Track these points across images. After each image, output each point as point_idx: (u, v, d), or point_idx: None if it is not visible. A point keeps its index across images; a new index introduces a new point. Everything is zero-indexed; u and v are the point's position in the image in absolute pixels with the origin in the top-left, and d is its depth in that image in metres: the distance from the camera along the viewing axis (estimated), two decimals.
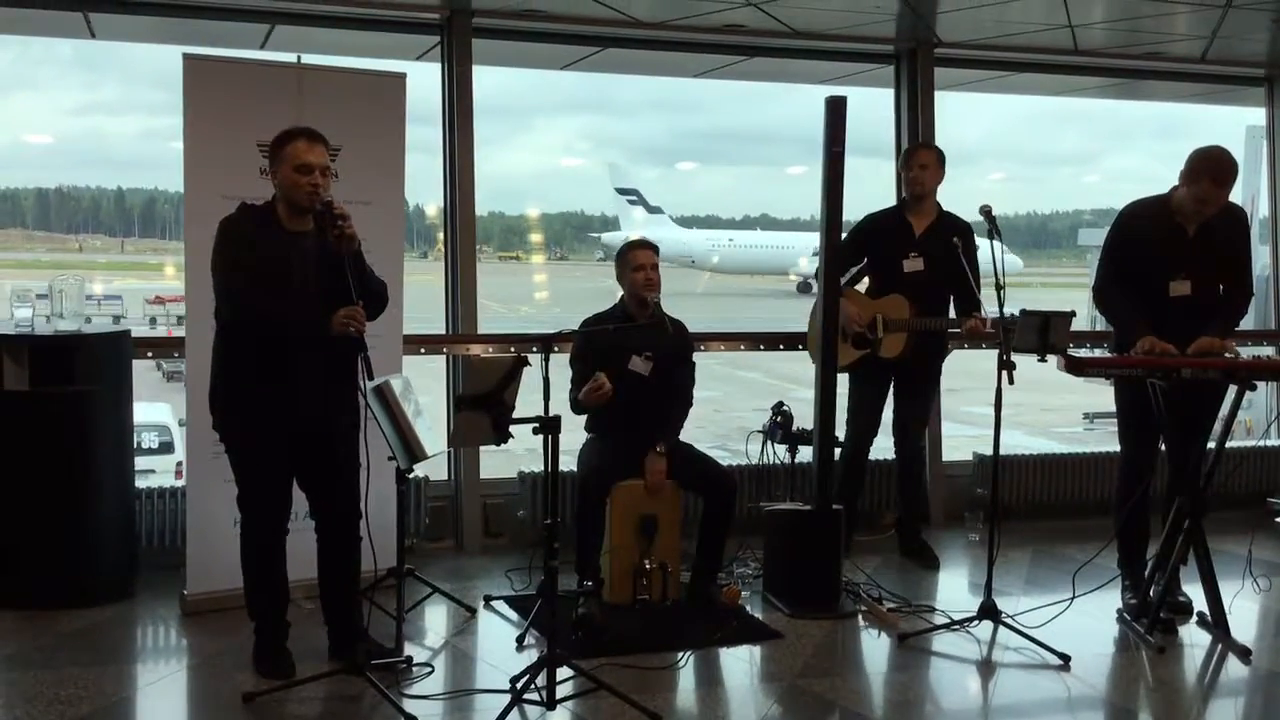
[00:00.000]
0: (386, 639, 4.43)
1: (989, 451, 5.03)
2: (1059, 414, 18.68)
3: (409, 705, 3.99)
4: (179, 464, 10.90)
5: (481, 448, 6.00)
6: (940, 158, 5.93)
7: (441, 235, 6.53)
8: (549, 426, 3.92)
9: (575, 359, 5.20)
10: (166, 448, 12.03)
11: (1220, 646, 4.75)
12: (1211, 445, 4.94)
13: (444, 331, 6.29)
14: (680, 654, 4.57)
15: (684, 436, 5.38)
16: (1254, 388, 4.80)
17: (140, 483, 5.57)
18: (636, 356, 5.20)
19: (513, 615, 5.06)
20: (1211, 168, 4.70)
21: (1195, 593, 4.94)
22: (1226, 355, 4.74)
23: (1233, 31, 6.60)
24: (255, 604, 4.31)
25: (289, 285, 4.00)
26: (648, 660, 4.45)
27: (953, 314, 5.84)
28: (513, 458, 5.78)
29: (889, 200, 6.23)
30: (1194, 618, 5.00)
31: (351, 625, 4.31)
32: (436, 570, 5.56)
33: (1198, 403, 4.88)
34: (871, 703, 4.30)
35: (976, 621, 4.84)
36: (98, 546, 5.05)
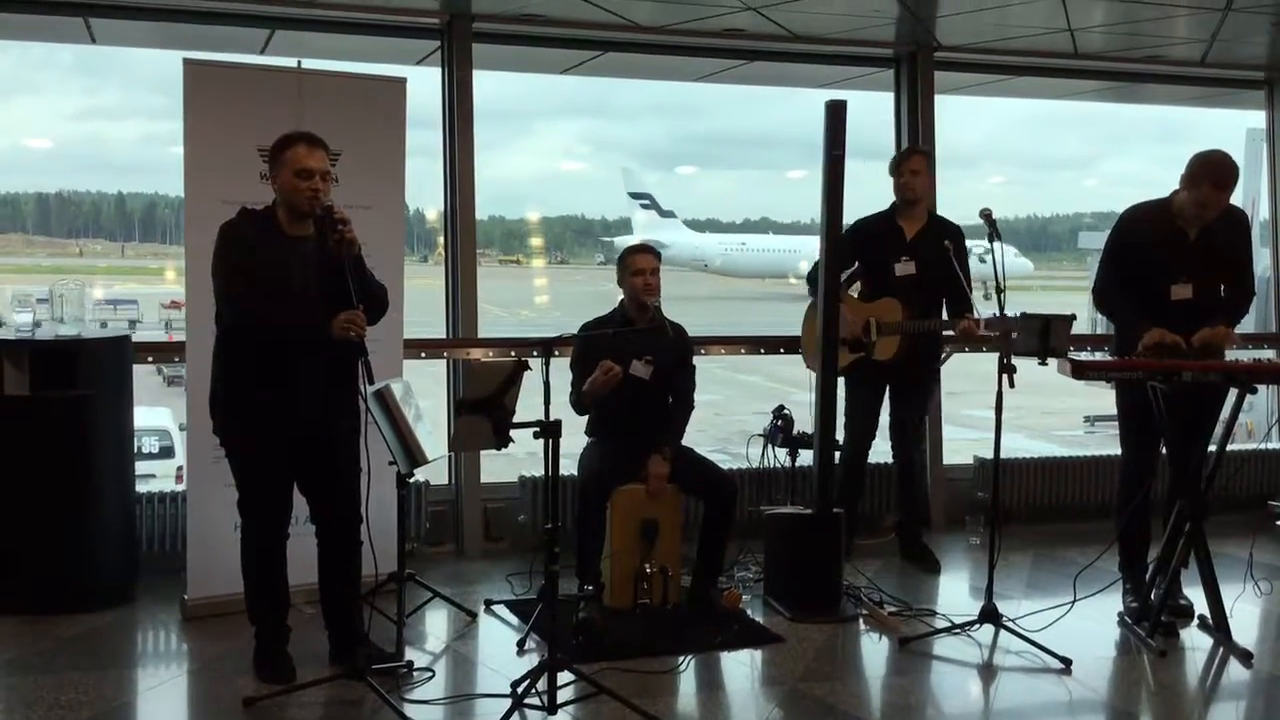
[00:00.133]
0: (387, 644, 4.43)
1: (990, 455, 5.03)
2: (1060, 417, 18.70)
3: (410, 710, 3.99)
4: (179, 468, 10.90)
5: (482, 452, 6.00)
6: (931, 163, 5.96)
7: (442, 239, 6.54)
8: (550, 431, 3.92)
9: (575, 363, 5.20)
10: (167, 452, 12.04)
11: (1221, 650, 4.75)
12: (1212, 448, 4.94)
13: (444, 336, 6.30)
14: (681, 658, 4.57)
15: (684, 440, 5.38)
16: (1254, 391, 4.80)
17: (141, 487, 5.57)
18: (637, 360, 5.20)
19: (513, 620, 5.05)
20: (1212, 172, 4.71)
21: (1196, 596, 4.94)
22: (1229, 347, 4.74)
23: (1232, 34, 6.61)
24: (256, 609, 4.30)
25: (289, 290, 4.00)
26: (648, 664, 4.45)
27: (945, 316, 5.85)
28: (513, 462, 5.78)
29: (889, 204, 6.23)
30: (1195, 621, 5.00)
31: (352, 630, 4.31)
32: (437, 575, 5.56)
33: (1198, 406, 4.88)
34: (872, 707, 4.30)
35: (977, 625, 4.84)
36: (98, 551, 5.05)
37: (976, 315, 5.59)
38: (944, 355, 6.73)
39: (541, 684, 3.98)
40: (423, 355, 5.99)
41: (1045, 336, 4.73)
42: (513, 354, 5.65)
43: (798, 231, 44.03)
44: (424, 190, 6.38)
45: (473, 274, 6.27)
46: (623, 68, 7.57)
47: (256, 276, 3.97)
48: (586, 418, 5.33)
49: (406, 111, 5.33)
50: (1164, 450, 5.10)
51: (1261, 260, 7.71)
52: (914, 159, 5.90)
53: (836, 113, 5.14)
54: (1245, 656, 4.63)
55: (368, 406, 4.12)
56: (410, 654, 4.47)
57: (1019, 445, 13.35)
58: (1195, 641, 4.86)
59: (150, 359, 6.08)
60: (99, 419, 5.07)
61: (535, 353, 4.55)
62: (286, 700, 4.07)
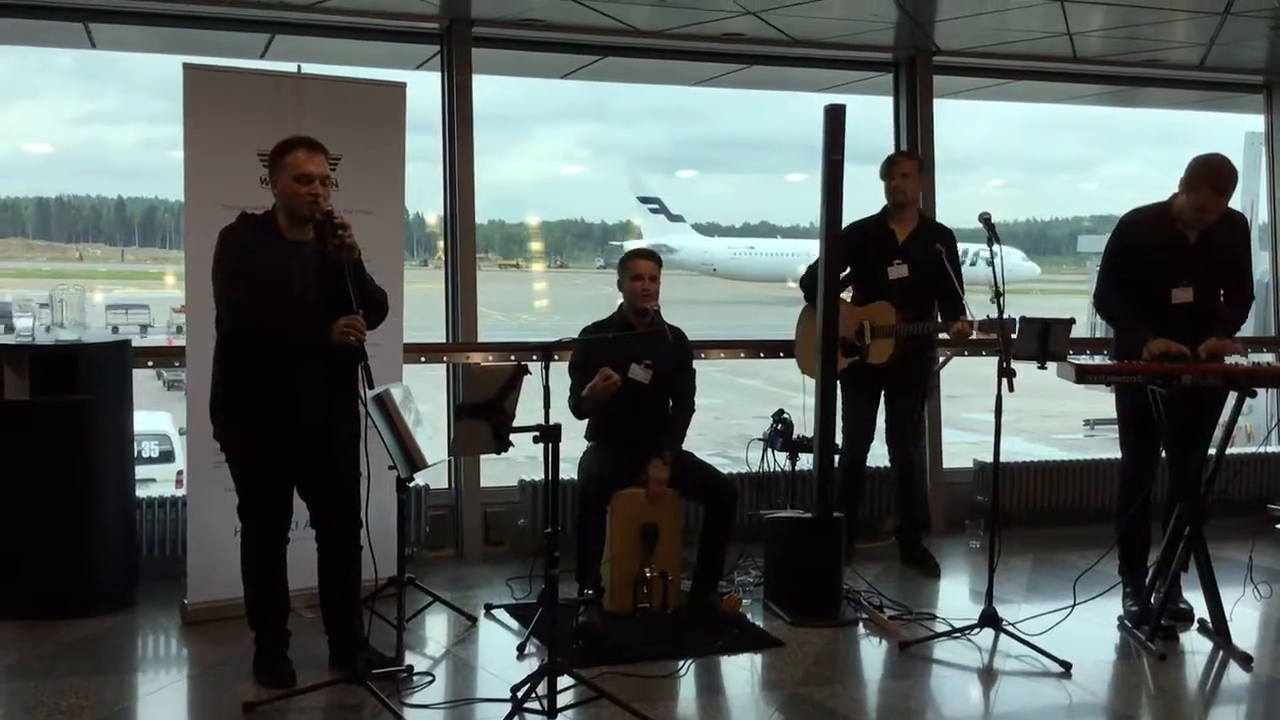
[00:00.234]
0: (387, 648, 4.43)
1: (989, 458, 5.03)
2: (1059, 420, 18.69)
3: (409, 714, 4.00)
4: (179, 473, 10.90)
5: (482, 456, 6.00)
6: (921, 166, 5.98)
7: (442, 244, 6.54)
8: (549, 435, 3.92)
9: (574, 368, 5.20)
10: (167, 456, 12.04)
11: (1221, 653, 4.75)
12: (1212, 452, 4.94)
13: (444, 340, 6.30)
14: (681, 662, 4.56)
15: (684, 444, 5.38)
16: (1254, 394, 4.81)
17: (141, 492, 5.57)
18: (636, 365, 5.20)
19: (513, 624, 5.05)
20: (1211, 176, 4.71)
21: (1196, 600, 4.94)
22: (1234, 358, 4.74)
23: (1231, 38, 6.62)
24: (256, 613, 4.30)
25: (289, 295, 4.00)
26: (649, 669, 4.45)
27: (938, 319, 5.87)
28: (513, 466, 5.79)
29: (880, 207, 6.23)
30: (1195, 625, 5.00)
31: (352, 634, 4.31)
32: (437, 579, 5.55)
33: (1198, 409, 4.88)
34: (872, 711, 4.30)
35: (977, 629, 4.84)
36: (98, 556, 5.05)
37: (970, 317, 5.61)
38: (943, 360, 6.74)
39: (541, 688, 3.97)
40: (422, 360, 5.99)
41: (1044, 340, 4.74)
42: (512, 358, 5.65)
43: (798, 235, 44.05)
44: (423, 195, 6.39)
45: (472, 278, 6.27)
46: (622, 72, 7.58)
47: (256, 281, 3.97)
48: (586, 422, 5.33)
49: (406, 116, 5.33)
50: (1164, 454, 5.10)
51: (1261, 264, 7.71)
52: (904, 163, 5.92)
53: (835, 117, 5.15)
54: (1245, 660, 4.63)
55: (367, 411, 4.12)
56: (410, 658, 4.47)
57: (1019, 448, 13.35)
58: (1195, 645, 4.86)
59: (150, 363, 6.08)
60: (99, 424, 5.07)
61: (535, 357, 4.56)
62: (286, 705, 4.07)
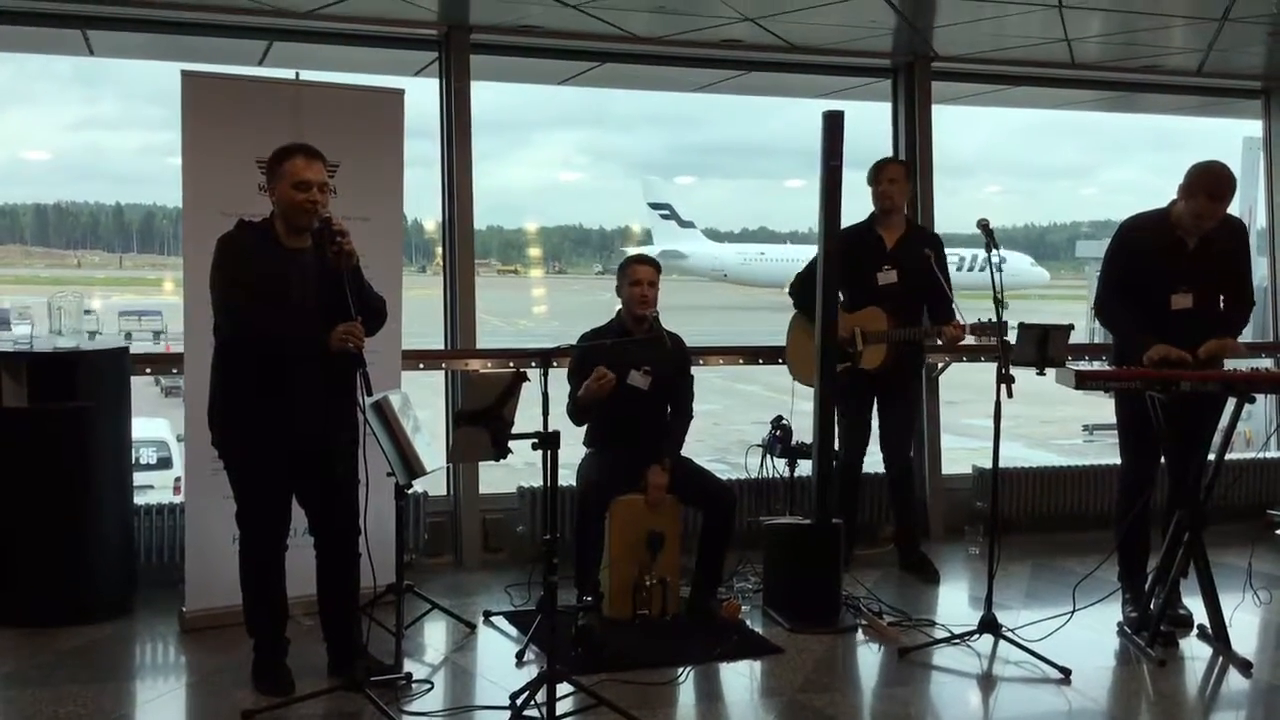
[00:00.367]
0: (386, 655, 4.42)
1: (988, 464, 5.03)
2: (1058, 426, 18.69)
3: None
4: (177, 479, 10.88)
5: (480, 463, 5.99)
6: (909, 172, 6.00)
7: (440, 250, 6.54)
8: (548, 441, 3.91)
9: (573, 374, 5.20)
10: (165, 463, 12.02)
11: (1221, 659, 4.74)
12: (1211, 457, 4.94)
13: (443, 346, 6.29)
14: (680, 669, 4.56)
15: (683, 450, 5.38)
16: (1253, 400, 4.81)
17: (138, 498, 5.56)
18: (635, 371, 5.20)
19: (512, 631, 5.04)
20: (1208, 183, 4.72)
21: (1196, 605, 4.94)
22: (1234, 363, 4.74)
23: (1229, 44, 6.62)
24: (254, 621, 4.30)
25: (288, 301, 4.00)
26: (648, 676, 4.44)
27: (927, 324, 5.90)
28: (512, 472, 5.78)
29: (869, 214, 6.23)
30: (1194, 631, 4.99)
31: (351, 642, 4.30)
32: (436, 586, 5.55)
33: (1197, 415, 4.88)
34: (872, 718, 4.29)
35: (977, 635, 4.83)
36: (97, 563, 5.04)
37: (961, 321, 5.63)
38: (941, 365, 6.75)
39: (540, 696, 3.96)
40: (421, 366, 5.98)
41: (1043, 346, 4.74)
42: (511, 365, 5.65)
43: (797, 240, 44.10)
44: (422, 200, 6.39)
45: (471, 285, 6.27)
46: (620, 78, 7.58)
47: (255, 289, 3.97)
48: (585, 428, 5.32)
49: (405, 123, 5.33)
50: (1163, 460, 5.10)
51: (1259, 269, 7.71)
52: (891, 168, 5.93)
53: (834, 123, 5.15)
54: (1244, 666, 4.63)
55: (366, 418, 4.11)
56: (409, 666, 4.47)
57: (1017, 454, 13.32)
58: (1195, 651, 4.86)
59: (148, 370, 6.08)
60: (97, 430, 5.06)
61: (533, 364, 4.55)
62: (285, 713, 4.06)
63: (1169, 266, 4.88)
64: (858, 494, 6.17)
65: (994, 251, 4.82)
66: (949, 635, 4.89)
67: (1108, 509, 5.94)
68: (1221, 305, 4.94)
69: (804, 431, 5.72)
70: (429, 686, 4.37)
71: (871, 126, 7.30)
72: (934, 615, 5.30)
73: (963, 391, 8.61)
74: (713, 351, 6.63)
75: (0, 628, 4.87)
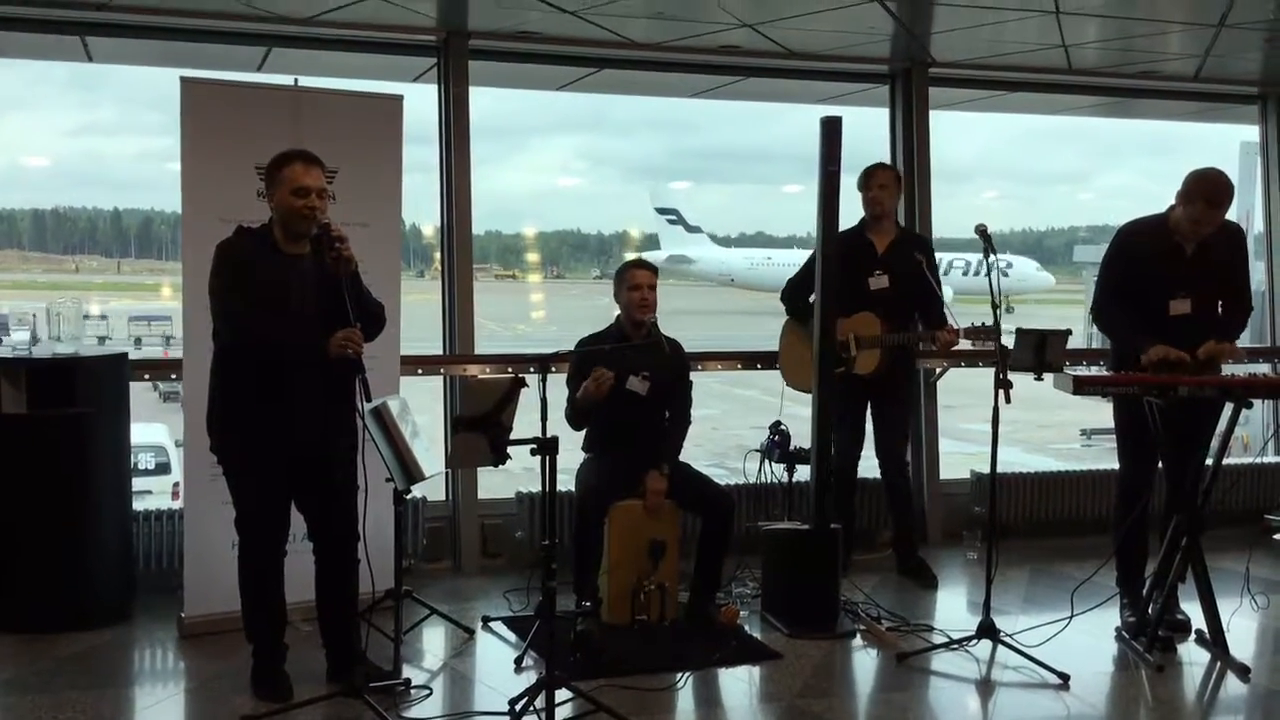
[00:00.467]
0: (384, 661, 4.42)
1: (986, 469, 5.03)
2: (1056, 430, 18.71)
3: None
4: (175, 485, 10.89)
5: (479, 468, 5.99)
6: (898, 178, 6.02)
7: (438, 255, 6.54)
8: (547, 447, 3.92)
9: (571, 379, 5.20)
10: (163, 468, 12.03)
11: (1219, 664, 4.74)
12: (1209, 463, 4.94)
13: (441, 351, 6.30)
14: (679, 675, 4.56)
15: (681, 455, 5.38)
16: (1250, 405, 4.81)
17: (137, 504, 5.56)
18: (634, 376, 5.20)
19: (511, 636, 5.04)
20: (1206, 190, 4.73)
21: (1193, 610, 4.94)
22: (1232, 369, 4.75)
23: (1226, 50, 6.64)
24: (253, 626, 4.30)
25: (287, 308, 4.01)
26: (646, 681, 4.44)
27: (918, 329, 5.93)
28: (511, 478, 5.77)
29: (859, 219, 6.24)
30: (1192, 636, 4.99)
31: (349, 647, 4.30)
32: (434, 591, 5.54)
33: (1195, 420, 4.89)
34: None
35: (975, 640, 4.83)
36: (96, 569, 5.04)
37: (955, 325, 5.65)
38: (940, 370, 6.76)
39: (539, 701, 3.97)
40: (419, 372, 5.99)
41: (1041, 351, 4.75)
42: (510, 370, 5.65)
43: (795, 245, 44.16)
44: (420, 206, 6.40)
45: (469, 291, 6.27)
46: (619, 84, 7.60)
47: (254, 295, 3.98)
48: (583, 433, 5.33)
49: (403, 129, 5.34)
50: (1161, 465, 5.11)
51: (1256, 274, 7.72)
52: (881, 174, 5.94)
53: (832, 129, 5.16)
54: (1242, 671, 4.63)
55: (365, 424, 4.12)
56: (408, 672, 4.46)
57: (1015, 459, 13.35)
58: (1193, 656, 4.86)
59: (147, 376, 6.08)
60: (96, 437, 5.06)
61: (532, 369, 4.56)
62: (284, 719, 4.06)
63: (1167, 272, 4.89)
64: (854, 499, 6.18)
65: (993, 256, 4.83)
66: (947, 640, 4.89)
67: (1106, 514, 5.94)
68: (1219, 310, 4.95)
69: (800, 436, 5.73)
70: (428, 692, 4.37)
71: (869, 132, 7.32)
72: (932, 620, 5.30)
73: (960, 396, 8.62)
74: (711, 357, 6.63)
75: None
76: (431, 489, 5.71)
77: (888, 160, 6.90)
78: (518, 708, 4.01)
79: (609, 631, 4.94)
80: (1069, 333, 4.87)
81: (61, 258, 60.86)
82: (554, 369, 4.26)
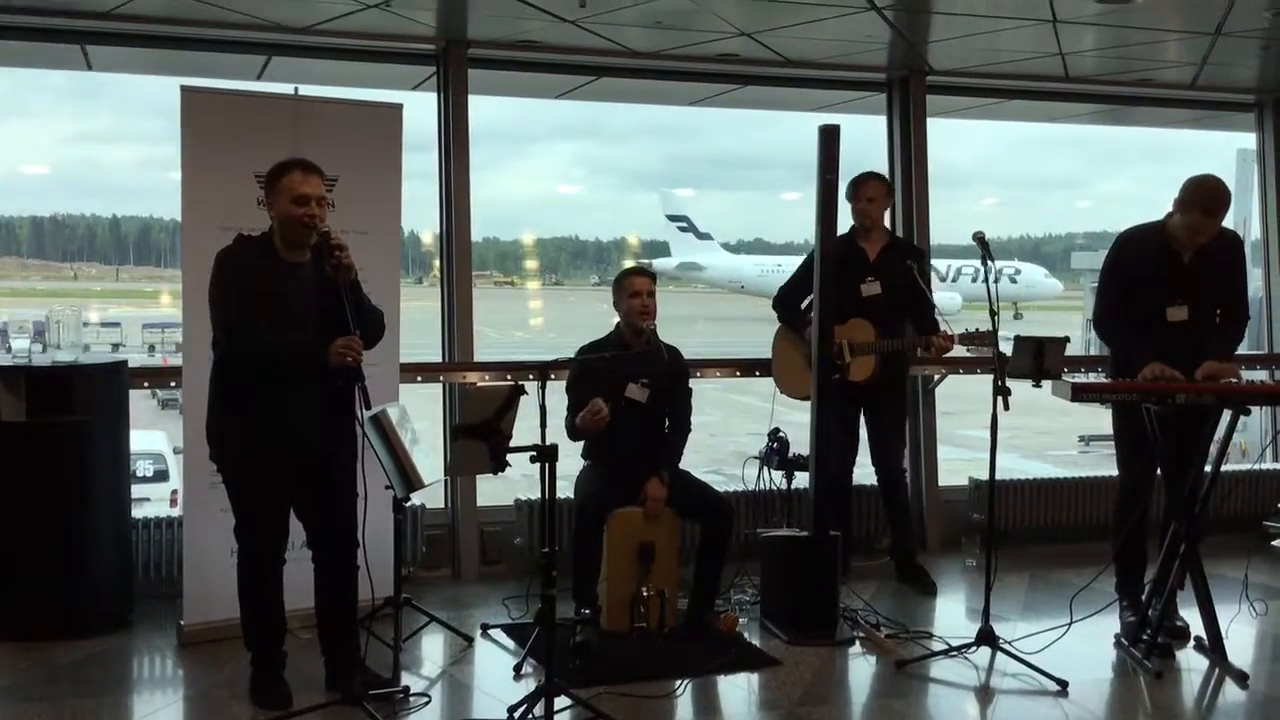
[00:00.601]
0: (384, 669, 4.42)
1: (985, 476, 5.03)
2: (1054, 437, 18.71)
3: None
4: (174, 492, 10.88)
5: (478, 476, 5.99)
6: (888, 188, 6.04)
7: (437, 262, 6.55)
8: (546, 455, 3.92)
9: (570, 387, 5.21)
10: (161, 476, 12.01)
11: (1218, 671, 4.75)
12: (1207, 469, 4.95)
13: (440, 358, 6.30)
14: (678, 682, 4.56)
15: (680, 462, 5.38)
16: (1248, 412, 4.82)
17: (136, 511, 5.56)
18: (633, 384, 5.21)
19: (510, 644, 5.04)
20: (1203, 198, 4.74)
21: (1192, 617, 4.94)
22: (1231, 381, 4.76)
23: (1222, 58, 6.66)
24: (252, 634, 4.30)
25: (287, 316, 4.01)
26: (646, 689, 4.44)
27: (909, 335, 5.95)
28: (510, 485, 5.79)
29: (849, 227, 6.26)
30: (1191, 642, 5.00)
31: (349, 655, 4.30)
32: (433, 599, 5.55)
33: (1193, 427, 4.89)
34: None
35: (974, 647, 4.84)
36: (95, 577, 5.04)
37: (949, 331, 5.66)
38: (938, 378, 6.77)
39: (539, 709, 3.97)
40: (419, 379, 5.99)
41: (1039, 358, 4.76)
42: (509, 378, 5.65)
43: (792, 252, 44.20)
44: (418, 212, 6.41)
45: (469, 298, 6.28)
46: (617, 92, 7.61)
47: (254, 303, 3.98)
48: (583, 441, 5.33)
49: (403, 137, 5.35)
50: (1160, 471, 5.11)
51: (1252, 281, 7.73)
52: (869, 186, 5.94)
53: (830, 137, 5.18)
54: (1241, 677, 4.63)
55: (364, 431, 4.12)
56: (407, 679, 4.46)
57: (1013, 465, 13.33)
58: (1191, 663, 4.86)
59: (146, 384, 6.08)
60: (96, 444, 5.07)
61: (531, 376, 4.56)
62: None
63: (1165, 279, 4.90)
64: (851, 505, 6.19)
65: (990, 263, 4.84)
66: (946, 647, 4.90)
67: (1104, 520, 5.95)
68: (1217, 319, 4.95)
69: (796, 443, 5.74)
70: (427, 700, 4.37)
71: (867, 139, 7.34)
72: (931, 627, 5.30)
73: (958, 403, 8.63)
74: (709, 364, 6.65)
75: None
76: (430, 496, 5.71)
77: (882, 166, 6.93)
78: (517, 715, 4.02)
79: (608, 639, 4.94)
80: (1067, 340, 4.89)
81: (60, 265, 60.88)
82: (553, 376, 4.27)
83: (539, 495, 4.26)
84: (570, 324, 23.27)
